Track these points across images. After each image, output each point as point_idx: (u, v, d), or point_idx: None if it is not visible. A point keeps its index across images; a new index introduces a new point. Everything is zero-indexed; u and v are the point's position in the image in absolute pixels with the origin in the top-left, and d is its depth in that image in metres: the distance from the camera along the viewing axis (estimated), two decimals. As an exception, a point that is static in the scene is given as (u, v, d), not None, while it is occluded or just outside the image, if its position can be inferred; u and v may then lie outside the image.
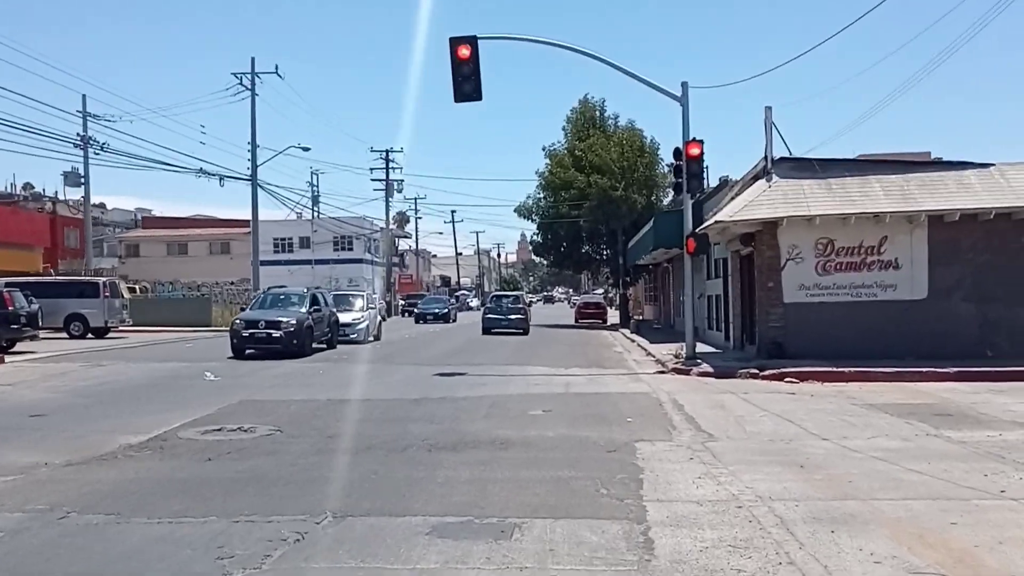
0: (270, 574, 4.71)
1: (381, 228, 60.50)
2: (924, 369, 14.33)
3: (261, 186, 39.40)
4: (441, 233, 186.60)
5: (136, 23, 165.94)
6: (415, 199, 75.93)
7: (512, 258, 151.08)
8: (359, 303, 26.40)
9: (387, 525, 5.60)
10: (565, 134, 41.61)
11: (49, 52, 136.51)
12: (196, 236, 63.74)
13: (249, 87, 38.30)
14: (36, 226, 39.59)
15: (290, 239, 62.25)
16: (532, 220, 42.80)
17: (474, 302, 78.77)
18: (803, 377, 14.36)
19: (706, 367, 15.98)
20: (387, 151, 57.70)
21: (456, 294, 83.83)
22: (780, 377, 14.55)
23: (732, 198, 19.07)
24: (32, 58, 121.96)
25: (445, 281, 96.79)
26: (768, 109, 16.57)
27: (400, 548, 5.10)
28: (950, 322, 16.15)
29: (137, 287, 43.42)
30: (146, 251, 62.39)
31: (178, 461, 7.95)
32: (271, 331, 19.42)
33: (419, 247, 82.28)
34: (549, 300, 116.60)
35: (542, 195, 41.76)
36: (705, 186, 19.39)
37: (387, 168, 57.81)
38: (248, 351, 19.56)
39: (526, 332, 31.84)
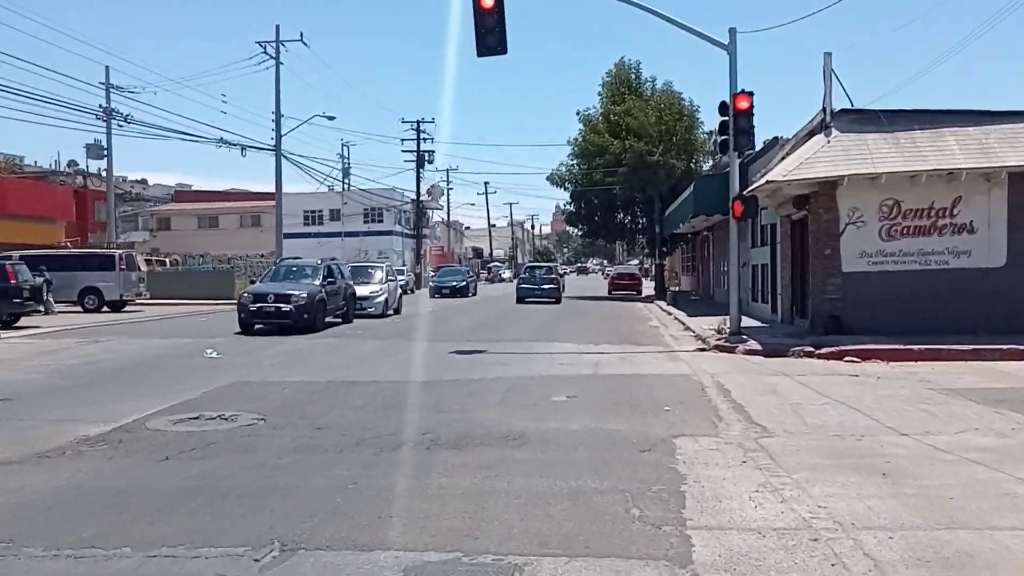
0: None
1: (412, 200, 59.18)
2: (1004, 346, 12.69)
3: (286, 156, 38.09)
4: (473, 204, 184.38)
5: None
6: (447, 170, 74.66)
7: (547, 230, 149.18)
8: (378, 275, 25.07)
9: (346, 566, 4.24)
10: (600, 98, 39.61)
11: (69, 24, 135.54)
12: (227, 209, 62.98)
13: (273, 56, 36.79)
14: (58, 199, 38.79)
15: (320, 211, 61.16)
16: (565, 188, 41.11)
17: (506, 274, 77.79)
18: (865, 356, 12.86)
19: (753, 344, 14.42)
20: (418, 122, 56.22)
21: (489, 265, 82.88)
22: (839, 356, 13.03)
23: (783, 158, 17.30)
24: (53, 29, 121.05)
25: (478, 253, 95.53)
26: (828, 55, 14.77)
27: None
28: (1032, 293, 14.36)
29: (167, 260, 42.86)
30: (177, 224, 61.90)
31: (129, 460, 6.69)
32: (280, 305, 18.17)
33: (451, 219, 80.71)
34: (583, 271, 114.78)
35: (575, 162, 39.98)
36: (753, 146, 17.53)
37: (418, 139, 56.31)
38: (257, 326, 18.39)
39: (558, 301, 32.55)
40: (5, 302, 19.73)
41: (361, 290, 23.04)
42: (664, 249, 40.00)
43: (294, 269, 20.71)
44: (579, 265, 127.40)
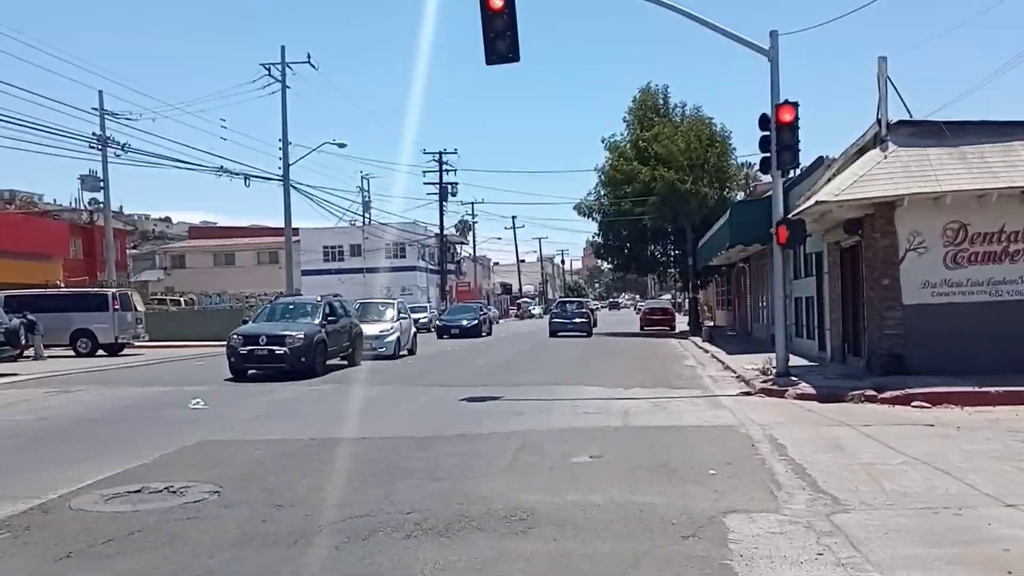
0: None
1: (436, 234, 58.11)
2: (1096, 389, 10.85)
3: (295, 187, 36.40)
4: (500, 238, 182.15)
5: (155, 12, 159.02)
6: (472, 203, 73.63)
7: (577, 264, 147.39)
8: (389, 313, 23.53)
9: None
10: (627, 125, 38.38)
11: (59, 46, 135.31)
12: (243, 246, 62.22)
13: (279, 79, 35.08)
14: (52, 235, 37.61)
15: (340, 247, 60.21)
16: (593, 219, 39.78)
17: (536, 310, 76.43)
18: (936, 400, 11.16)
19: (805, 387, 12.69)
20: (440, 153, 55.35)
21: (518, 301, 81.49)
22: (905, 400, 11.33)
23: (829, 179, 15.66)
24: (41, 51, 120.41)
25: (506, 289, 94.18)
26: (882, 60, 13.16)
27: None
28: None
29: (182, 299, 42.00)
30: (192, 262, 61.29)
31: (18, 561, 5.21)
32: (273, 347, 16.65)
33: (477, 253, 79.53)
34: (615, 306, 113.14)
35: (603, 191, 38.62)
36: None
37: (440, 171, 55.38)
38: (250, 371, 16.93)
39: (589, 335, 35.16)
40: None
41: (370, 329, 21.59)
42: (698, 282, 38.40)
43: (291, 307, 19.31)
44: (611, 300, 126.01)
